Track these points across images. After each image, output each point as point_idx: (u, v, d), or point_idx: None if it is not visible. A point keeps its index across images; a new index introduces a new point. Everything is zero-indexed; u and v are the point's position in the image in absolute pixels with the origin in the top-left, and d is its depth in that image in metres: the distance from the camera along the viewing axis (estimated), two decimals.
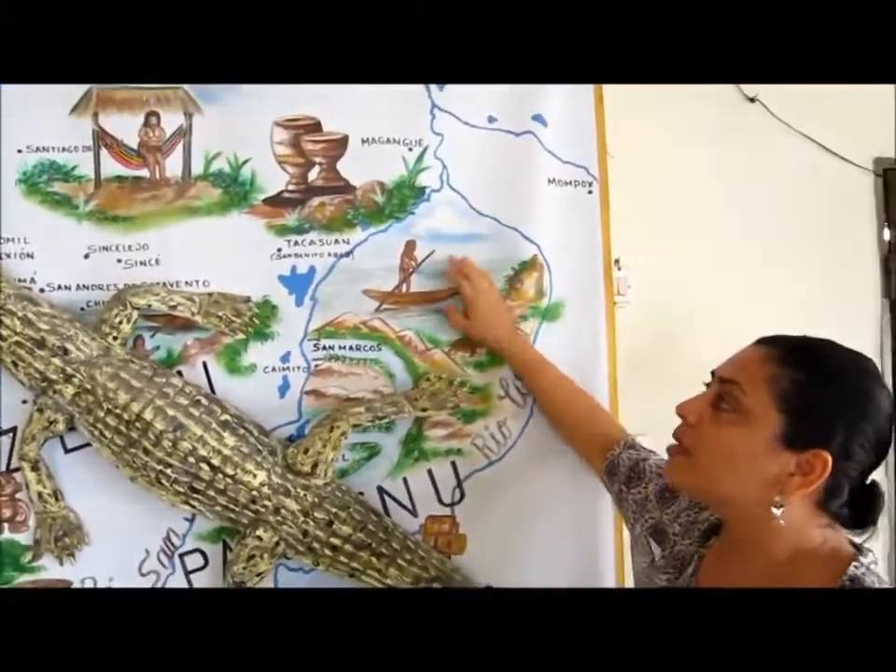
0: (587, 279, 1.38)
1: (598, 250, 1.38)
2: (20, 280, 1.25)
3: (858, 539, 0.92)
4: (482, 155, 1.35)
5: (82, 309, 1.27)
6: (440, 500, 1.34)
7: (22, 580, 1.27)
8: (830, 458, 0.85)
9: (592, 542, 1.37)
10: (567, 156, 1.37)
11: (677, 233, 1.49)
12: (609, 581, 1.38)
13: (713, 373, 0.97)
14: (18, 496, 1.27)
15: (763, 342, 0.94)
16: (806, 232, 1.55)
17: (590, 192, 1.38)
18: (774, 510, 0.87)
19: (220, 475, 1.20)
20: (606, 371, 1.39)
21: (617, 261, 1.39)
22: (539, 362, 1.33)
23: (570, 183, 1.38)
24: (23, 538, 1.27)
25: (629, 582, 1.37)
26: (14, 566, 1.26)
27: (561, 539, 1.35)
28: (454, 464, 1.34)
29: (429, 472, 1.34)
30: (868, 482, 0.90)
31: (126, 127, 1.28)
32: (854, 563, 0.87)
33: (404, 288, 1.34)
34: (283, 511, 1.23)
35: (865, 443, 0.87)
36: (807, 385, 0.88)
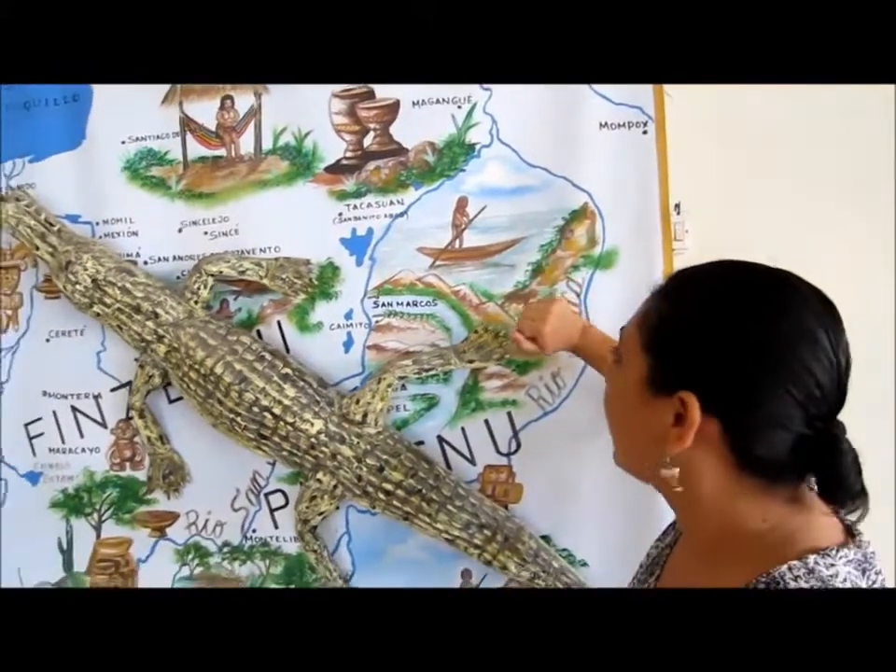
0: (643, 225, 1.32)
1: (655, 194, 1.30)
2: (126, 255, 1.46)
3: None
4: (531, 106, 1.34)
5: (178, 278, 1.46)
6: (497, 450, 1.37)
7: (141, 510, 1.49)
8: (694, 399, 0.68)
9: (647, 494, 1.32)
10: (620, 97, 1.31)
11: (739, 175, 1.35)
12: None
13: None
14: (135, 439, 1.49)
15: None
16: (880, 170, 1.33)
17: (644, 132, 1.31)
18: (663, 470, 0.72)
19: (282, 423, 1.32)
20: None
21: (677, 206, 1.31)
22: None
23: (624, 125, 1.31)
24: (141, 475, 1.49)
25: None
26: (134, 498, 1.49)
27: (615, 489, 1.32)
28: (509, 414, 1.36)
29: (486, 423, 1.37)
30: (817, 431, 0.67)
31: (206, 112, 1.44)
32: (798, 561, 0.65)
33: (457, 244, 1.37)
34: (339, 456, 1.33)
35: (760, 376, 0.66)
36: (672, 317, 0.72)
